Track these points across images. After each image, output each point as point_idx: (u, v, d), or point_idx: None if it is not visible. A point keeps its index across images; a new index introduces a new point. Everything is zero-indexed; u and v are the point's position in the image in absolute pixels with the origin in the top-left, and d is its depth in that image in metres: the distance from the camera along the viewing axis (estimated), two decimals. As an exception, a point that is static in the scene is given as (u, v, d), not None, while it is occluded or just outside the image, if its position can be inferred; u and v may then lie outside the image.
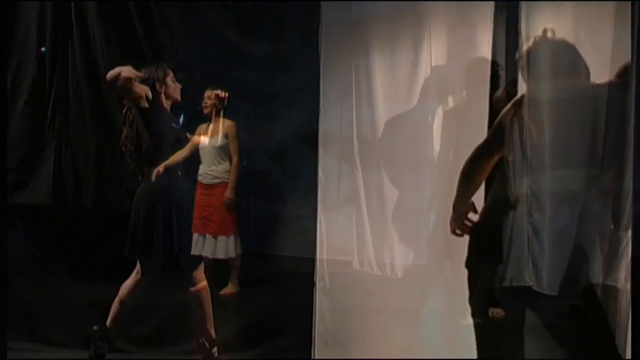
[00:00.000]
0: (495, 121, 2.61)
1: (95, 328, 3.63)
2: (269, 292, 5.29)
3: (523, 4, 2.80)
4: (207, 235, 5.23)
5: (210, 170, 5.21)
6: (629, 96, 2.45)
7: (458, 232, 2.64)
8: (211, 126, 5.26)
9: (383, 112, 3.37)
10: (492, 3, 2.76)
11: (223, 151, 5.17)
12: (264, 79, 5.76)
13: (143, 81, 3.60)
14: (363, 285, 3.50)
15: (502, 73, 3.17)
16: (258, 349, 3.88)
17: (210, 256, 5.24)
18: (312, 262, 3.51)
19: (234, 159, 5.16)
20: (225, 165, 5.19)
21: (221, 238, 5.20)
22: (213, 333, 3.71)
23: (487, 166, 2.60)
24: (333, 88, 3.50)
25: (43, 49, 4.29)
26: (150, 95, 3.55)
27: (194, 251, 5.31)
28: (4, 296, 3.36)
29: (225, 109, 5.24)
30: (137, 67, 3.64)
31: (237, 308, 5.15)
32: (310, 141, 3.56)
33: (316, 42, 3.34)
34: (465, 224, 2.60)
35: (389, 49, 3.35)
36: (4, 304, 3.35)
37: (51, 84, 4.46)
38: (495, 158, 2.58)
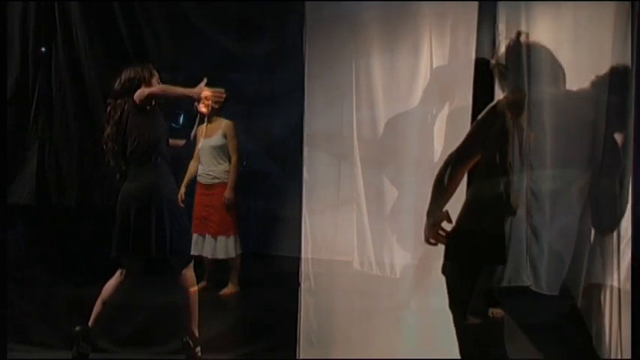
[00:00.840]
0: (471, 127, 2.60)
1: (77, 328, 3.62)
2: (267, 292, 5.29)
3: (502, 4, 2.81)
4: (206, 235, 5.23)
5: (210, 170, 5.21)
6: (620, 96, 2.47)
7: (432, 241, 2.59)
8: (210, 126, 5.26)
9: (383, 112, 3.37)
10: (493, 3, 2.75)
11: (222, 151, 5.17)
12: (249, 79, 5.76)
13: (129, 80, 3.62)
14: (350, 284, 3.50)
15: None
16: (253, 346, 3.92)
17: (209, 257, 5.25)
18: (309, 262, 3.53)
19: (233, 159, 5.17)
20: (225, 165, 5.20)
21: (221, 239, 5.20)
22: (197, 333, 3.71)
23: (461, 171, 2.57)
24: (332, 87, 3.50)
25: (43, 49, 4.28)
26: (144, 99, 3.59)
27: (194, 251, 5.31)
28: (4, 296, 3.36)
29: (222, 108, 5.26)
30: (121, 67, 3.68)
31: (236, 308, 5.18)
32: (296, 140, 3.58)
33: (300, 42, 3.36)
34: (439, 233, 2.56)
35: (389, 49, 3.35)
36: (4, 304, 3.35)
37: (34, 84, 4.45)
38: (470, 164, 2.56)
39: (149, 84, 3.66)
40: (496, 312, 4.07)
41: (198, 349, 3.69)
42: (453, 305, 2.57)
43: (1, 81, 3.50)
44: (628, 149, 2.53)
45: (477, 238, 2.47)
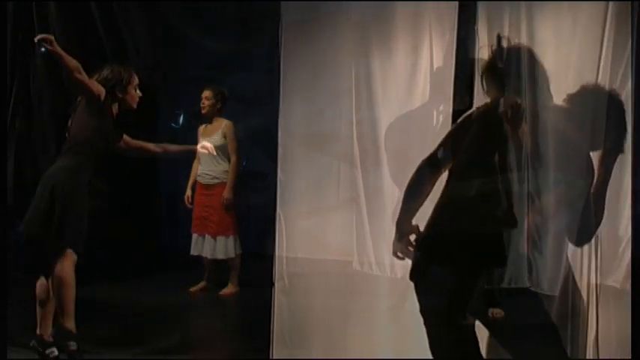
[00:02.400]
0: (446, 135, 2.58)
1: (31, 344, 3.57)
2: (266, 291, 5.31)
3: (482, 5, 2.80)
4: (206, 235, 5.23)
5: (209, 170, 5.21)
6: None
7: (399, 255, 2.56)
8: (209, 126, 5.26)
9: (383, 112, 3.36)
10: (494, 3, 2.75)
11: (222, 151, 5.17)
12: (226, 78, 5.75)
13: (105, 79, 3.61)
14: (350, 285, 3.50)
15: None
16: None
17: (209, 257, 5.25)
18: (310, 262, 3.52)
19: (233, 159, 5.17)
20: (224, 165, 5.19)
21: (220, 239, 5.20)
22: (73, 327, 3.57)
23: (435, 179, 2.55)
24: (332, 87, 3.50)
25: (42, 49, 4.27)
26: (102, 96, 3.55)
27: (193, 252, 5.33)
28: (4, 296, 3.35)
29: (222, 109, 5.26)
30: (99, 67, 3.65)
31: (235, 308, 5.20)
32: (272, 140, 3.58)
33: (276, 42, 3.36)
34: (408, 248, 2.52)
35: (388, 49, 3.35)
36: (4, 304, 3.34)
37: (12, 84, 4.44)
38: (442, 171, 2.53)
39: (125, 91, 3.66)
40: (496, 312, 4.08)
41: (72, 343, 3.54)
42: (424, 308, 2.50)
43: (1, 81, 3.49)
44: (628, 149, 2.53)
45: (457, 242, 2.41)
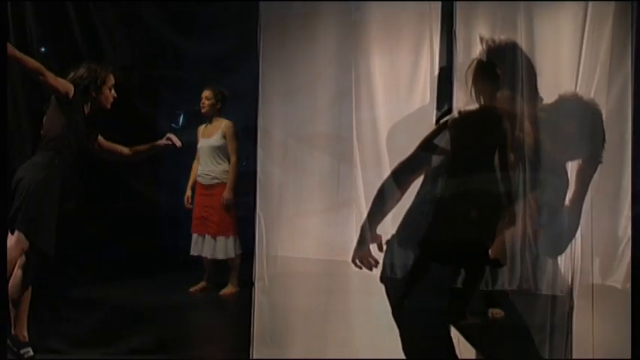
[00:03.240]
0: (422, 140, 2.50)
1: (7, 344, 3.54)
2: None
3: (459, 4, 2.79)
4: (206, 235, 5.23)
5: (209, 171, 5.21)
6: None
7: (357, 263, 2.48)
8: (209, 126, 5.26)
9: (383, 112, 3.37)
10: (492, 2, 2.75)
11: (222, 151, 5.17)
12: (203, 79, 5.75)
13: (80, 77, 3.62)
14: (350, 285, 3.50)
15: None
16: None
17: (209, 257, 5.25)
18: (312, 262, 3.53)
19: (233, 159, 5.17)
20: (224, 165, 5.19)
21: (220, 239, 5.20)
22: (24, 334, 3.60)
23: (408, 185, 2.49)
24: (332, 87, 3.50)
25: (42, 49, 4.26)
26: (70, 94, 3.56)
27: (193, 252, 5.33)
28: (4, 296, 3.36)
29: (222, 109, 5.26)
30: (77, 65, 3.66)
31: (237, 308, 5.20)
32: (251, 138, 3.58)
33: (255, 42, 3.36)
34: (369, 259, 2.46)
35: (389, 49, 3.35)
36: (4, 304, 3.34)
37: None
38: (416, 176, 2.49)
39: (100, 91, 3.67)
40: (496, 312, 4.07)
41: (27, 350, 3.57)
42: (396, 312, 2.45)
43: (1, 81, 3.48)
44: (627, 149, 2.54)
45: (452, 244, 2.35)
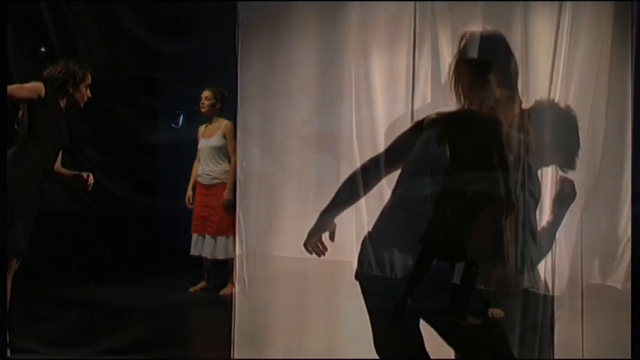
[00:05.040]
0: (396, 138, 2.49)
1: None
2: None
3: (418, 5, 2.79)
4: (206, 235, 5.24)
5: (210, 171, 5.21)
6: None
7: (309, 248, 2.50)
8: (209, 126, 5.27)
9: (383, 112, 3.36)
10: (492, 3, 2.74)
11: (222, 151, 5.18)
12: (181, 80, 5.75)
13: (58, 72, 3.63)
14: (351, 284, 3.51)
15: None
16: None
17: (209, 257, 5.25)
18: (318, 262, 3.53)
19: (233, 159, 5.17)
20: (224, 165, 5.20)
21: (220, 239, 5.21)
22: None
23: (377, 181, 2.50)
24: (332, 87, 3.50)
25: (42, 49, 4.27)
26: (42, 94, 3.56)
27: (193, 252, 5.33)
28: (4, 296, 3.35)
29: (222, 109, 5.26)
30: (55, 62, 3.67)
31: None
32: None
33: (233, 42, 3.37)
34: (318, 245, 2.49)
35: (388, 50, 3.35)
36: (4, 304, 3.34)
37: None
38: (388, 173, 2.48)
39: (76, 88, 3.69)
40: (496, 312, 4.07)
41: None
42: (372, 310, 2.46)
43: (1, 81, 3.49)
44: (627, 150, 2.54)
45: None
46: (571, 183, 2.42)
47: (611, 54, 2.54)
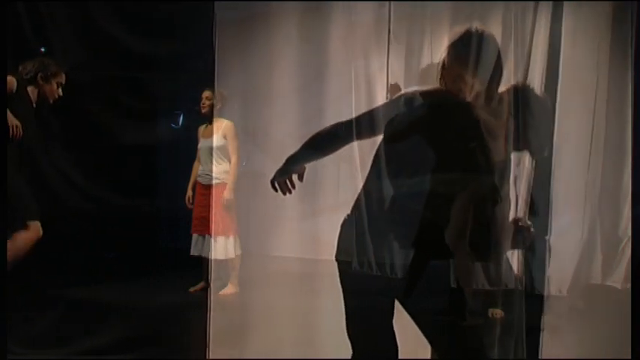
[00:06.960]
0: (375, 107, 2.48)
1: None
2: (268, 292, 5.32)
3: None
4: (206, 235, 5.24)
5: (210, 171, 5.21)
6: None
7: (276, 185, 2.52)
8: (209, 126, 5.27)
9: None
10: (497, 3, 2.75)
11: (222, 151, 5.17)
12: (158, 79, 5.74)
13: (32, 65, 3.69)
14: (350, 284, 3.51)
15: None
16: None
17: (209, 257, 5.25)
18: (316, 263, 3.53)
19: (233, 159, 5.17)
20: (225, 165, 5.19)
21: (220, 239, 5.20)
22: None
23: (345, 143, 2.51)
24: (332, 87, 3.51)
25: (42, 49, 4.27)
26: (14, 88, 3.58)
27: (193, 252, 5.33)
28: (4, 296, 3.35)
29: (222, 109, 5.26)
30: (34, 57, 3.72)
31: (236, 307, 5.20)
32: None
33: (210, 42, 3.37)
34: (287, 185, 2.50)
35: (389, 48, 3.35)
36: (4, 304, 3.33)
37: None
38: (357, 139, 2.49)
39: (47, 82, 3.71)
40: (496, 312, 4.07)
41: None
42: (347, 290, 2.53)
43: (1, 81, 3.50)
44: (627, 150, 2.53)
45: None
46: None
47: (610, 53, 2.54)
